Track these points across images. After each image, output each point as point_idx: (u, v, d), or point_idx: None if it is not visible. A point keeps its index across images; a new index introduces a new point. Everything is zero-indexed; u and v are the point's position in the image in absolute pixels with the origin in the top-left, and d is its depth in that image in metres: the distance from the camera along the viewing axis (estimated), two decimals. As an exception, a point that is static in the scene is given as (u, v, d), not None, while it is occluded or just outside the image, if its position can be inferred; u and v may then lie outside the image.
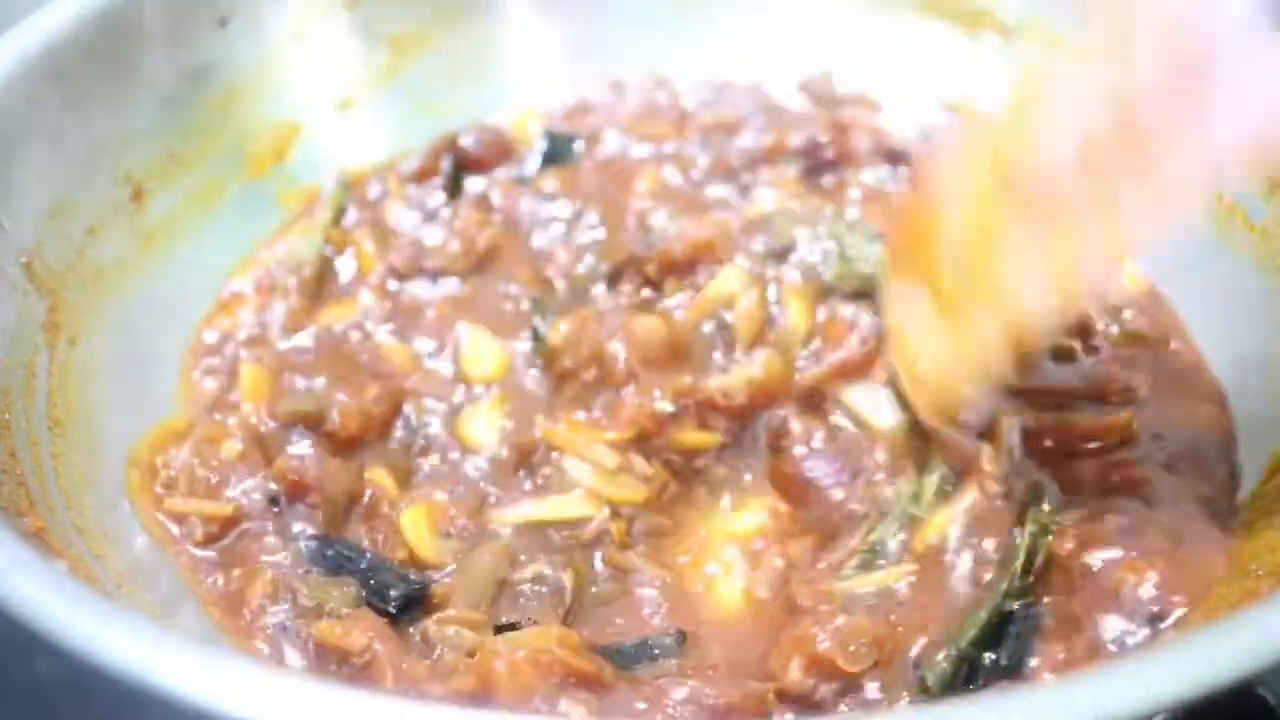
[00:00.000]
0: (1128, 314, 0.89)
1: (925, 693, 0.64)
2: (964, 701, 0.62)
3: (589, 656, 0.64)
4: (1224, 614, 0.63)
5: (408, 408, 0.82)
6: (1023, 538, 0.69)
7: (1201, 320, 0.89)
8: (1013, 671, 0.65)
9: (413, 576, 0.71)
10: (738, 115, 1.05)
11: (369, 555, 0.72)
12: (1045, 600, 0.67)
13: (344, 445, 0.79)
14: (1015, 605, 0.67)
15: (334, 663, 0.66)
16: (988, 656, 0.65)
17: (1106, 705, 0.47)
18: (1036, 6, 1.07)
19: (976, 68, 1.10)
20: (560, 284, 0.89)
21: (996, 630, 0.66)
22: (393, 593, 0.69)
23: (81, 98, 0.87)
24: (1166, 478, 0.74)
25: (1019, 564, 0.68)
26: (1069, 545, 0.68)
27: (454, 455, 0.79)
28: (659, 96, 1.11)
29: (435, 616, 0.67)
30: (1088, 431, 0.77)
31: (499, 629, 0.67)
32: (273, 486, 0.75)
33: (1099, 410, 0.79)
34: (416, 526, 0.73)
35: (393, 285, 0.91)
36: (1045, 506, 0.71)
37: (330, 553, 0.71)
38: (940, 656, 0.65)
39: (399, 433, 0.81)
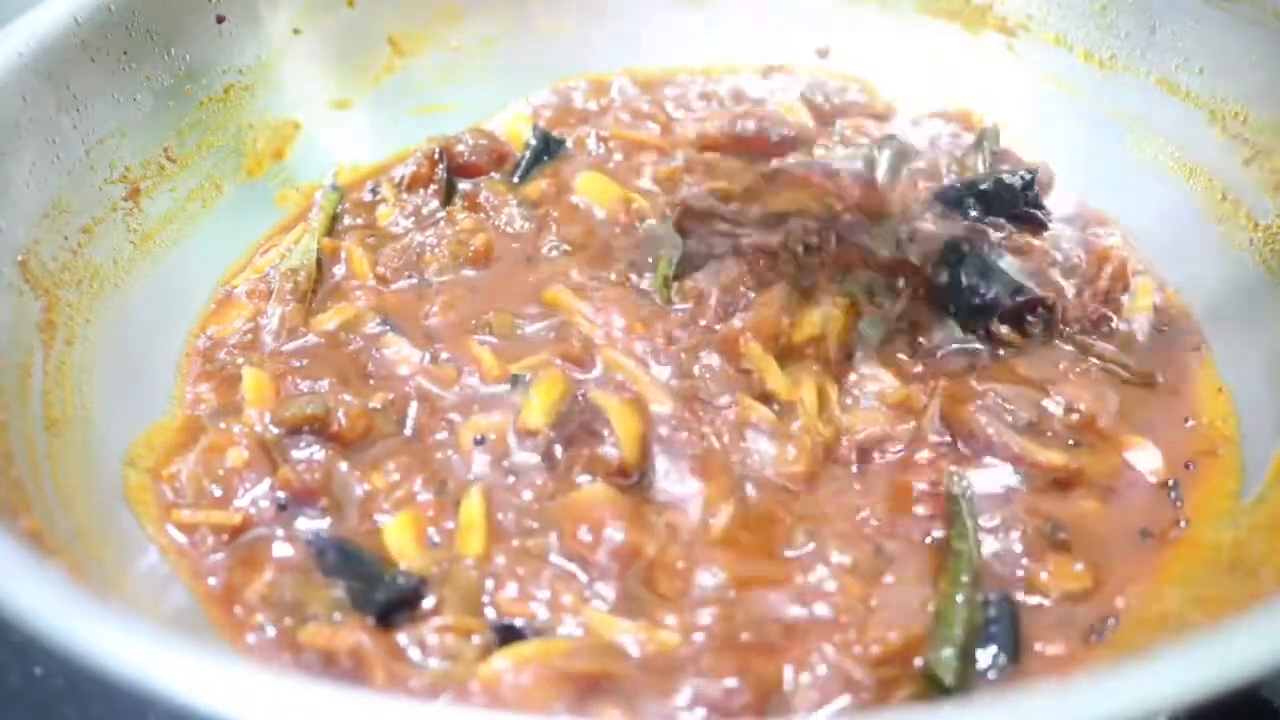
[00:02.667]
0: (1138, 328, 0.89)
1: (940, 689, 0.64)
2: (965, 702, 0.63)
3: (595, 655, 0.64)
4: (1228, 616, 0.63)
5: (411, 408, 0.81)
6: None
7: (1204, 319, 0.89)
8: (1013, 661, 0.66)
9: (402, 583, 0.69)
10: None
11: (367, 557, 0.71)
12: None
13: (350, 446, 0.78)
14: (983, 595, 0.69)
15: (321, 666, 0.65)
16: (985, 653, 0.66)
17: (1107, 706, 0.47)
18: (1039, 5, 1.08)
19: (979, 67, 1.10)
20: None
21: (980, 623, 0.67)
22: (383, 596, 0.68)
23: (77, 96, 0.87)
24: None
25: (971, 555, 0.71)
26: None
27: (451, 454, 0.79)
28: (643, 104, 1.12)
29: (432, 623, 0.67)
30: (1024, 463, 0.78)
31: (502, 633, 0.67)
32: (280, 494, 0.75)
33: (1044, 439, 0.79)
34: (401, 538, 0.73)
35: (385, 290, 0.91)
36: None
37: (331, 555, 0.71)
38: (945, 653, 0.65)
39: (406, 432, 0.80)
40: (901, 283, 0.90)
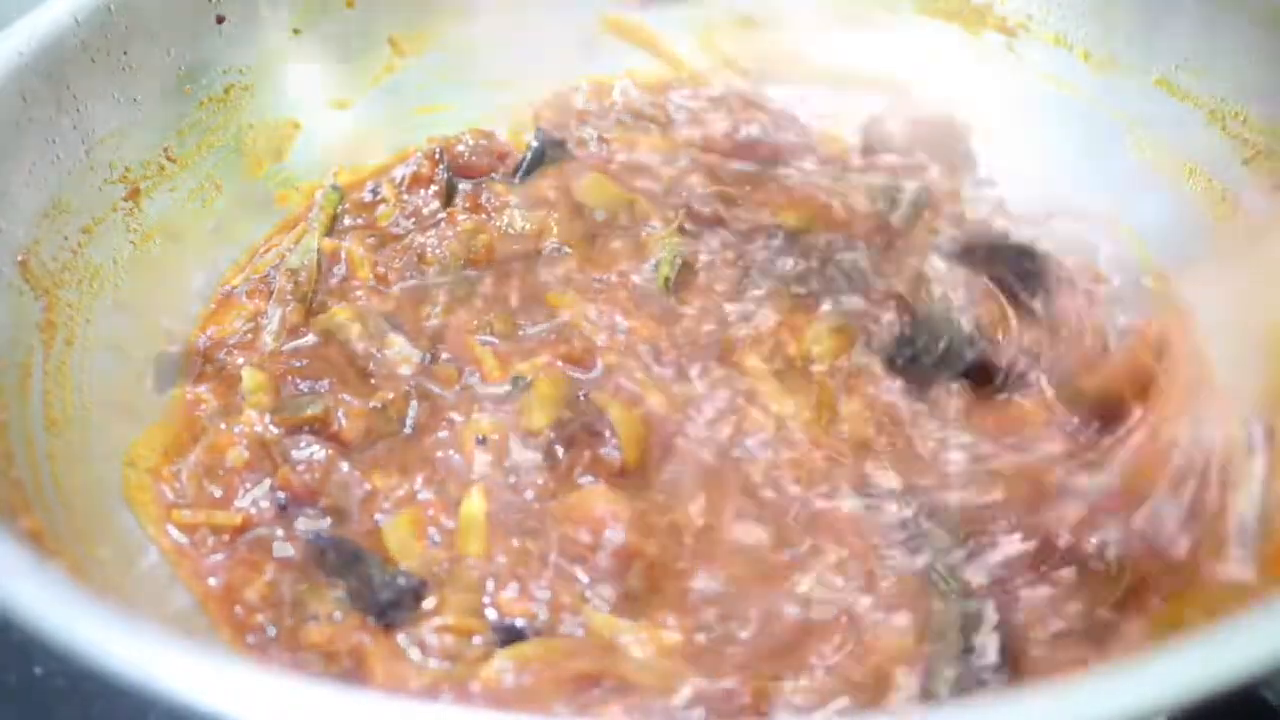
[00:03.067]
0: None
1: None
2: (966, 703, 0.62)
3: (596, 655, 0.64)
4: (1226, 615, 0.63)
5: (412, 408, 0.81)
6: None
7: (1204, 320, 0.89)
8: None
9: (403, 583, 0.70)
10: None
11: (368, 557, 0.71)
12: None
13: (350, 446, 0.78)
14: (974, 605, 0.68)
15: (321, 666, 0.66)
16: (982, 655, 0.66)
17: (1107, 706, 0.47)
18: (1038, 5, 1.08)
19: (979, 67, 1.10)
20: None
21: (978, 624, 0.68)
22: (384, 596, 0.68)
23: (77, 96, 0.87)
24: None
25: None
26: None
27: (452, 454, 0.79)
28: (647, 107, 1.12)
29: (433, 623, 0.67)
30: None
31: (503, 633, 0.67)
32: (280, 494, 0.75)
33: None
34: (401, 538, 0.73)
35: (386, 290, 0.91)
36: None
37: (331, 555, 0.71)
38: (943, 672, 0.65)
39: (406, 431, 0.80)
40: (890, 315, 0.90)
